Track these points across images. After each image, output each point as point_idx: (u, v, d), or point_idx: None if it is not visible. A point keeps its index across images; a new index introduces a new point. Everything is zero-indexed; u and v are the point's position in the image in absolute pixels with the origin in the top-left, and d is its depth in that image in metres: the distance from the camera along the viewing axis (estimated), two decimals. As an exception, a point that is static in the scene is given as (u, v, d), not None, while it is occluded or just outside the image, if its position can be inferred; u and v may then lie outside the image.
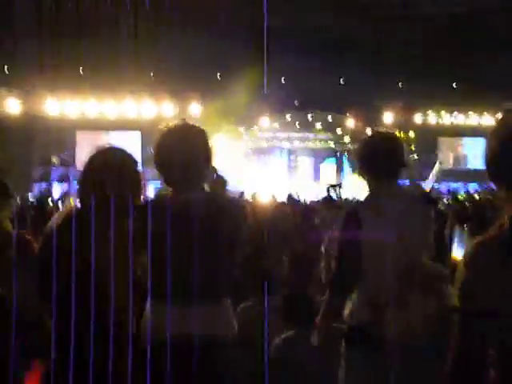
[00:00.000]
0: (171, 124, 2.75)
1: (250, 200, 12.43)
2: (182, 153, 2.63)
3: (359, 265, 2.84)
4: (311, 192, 16.81)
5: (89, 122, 17.25)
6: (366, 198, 3.07)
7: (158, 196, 3.05)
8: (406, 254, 2.79)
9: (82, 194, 2.58)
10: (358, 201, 4.02)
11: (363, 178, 3.07)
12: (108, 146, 2.72)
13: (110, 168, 2.54)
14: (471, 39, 15.83)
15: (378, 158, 2.98)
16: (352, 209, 3.12)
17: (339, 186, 9.59)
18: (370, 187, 3.05)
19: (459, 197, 13.05)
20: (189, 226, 2.51)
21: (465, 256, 1.64)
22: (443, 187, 18.38)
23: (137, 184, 2.60)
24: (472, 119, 19.80)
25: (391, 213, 2.82)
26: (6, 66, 15.78)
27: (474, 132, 19.10)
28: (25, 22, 13.03)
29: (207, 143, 2.73)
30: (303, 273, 4.85)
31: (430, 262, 2.94)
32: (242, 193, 13.77)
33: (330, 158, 20.65)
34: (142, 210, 2.51)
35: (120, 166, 2.56)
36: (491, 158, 1.63)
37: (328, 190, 9.25)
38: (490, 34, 15.61)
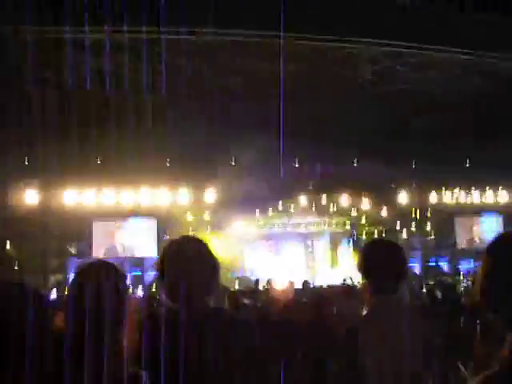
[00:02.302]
0: (175, 238, 2.74)
1: (266, 286, 12.29)
2: (189, 268, 2.57)
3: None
4: (328, 277, 16.60)
5: (105, 212, 17.31)
6: (366, 314, 2.99)
7: (155, 313, 2.89)
8: (405, 373, 2.69)
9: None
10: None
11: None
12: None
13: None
14: (482, 117, 15.87)
15: (376, 272, 2.90)
16: (353, 326, 3.02)
17: (350, 279, 9.56)
18: (370, 299, 2.97)
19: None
20: (195, 345, 2.43)
21: None
22: (463, 267, 18.12)
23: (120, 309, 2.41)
24: (488, 197, 19.70)
25: (389, 330, 2.74)
26: (26, 157, 15.97)
27: (491, 209, 19.04)
28: (44, 113, 13.34)
29: (213, 257, 2.68)
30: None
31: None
32: (258, 280, 13.65)
33: (347, 241, 20.41)
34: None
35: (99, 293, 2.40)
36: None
37: (344, 280, 9.19)
38: (503, 112, 15.60)
